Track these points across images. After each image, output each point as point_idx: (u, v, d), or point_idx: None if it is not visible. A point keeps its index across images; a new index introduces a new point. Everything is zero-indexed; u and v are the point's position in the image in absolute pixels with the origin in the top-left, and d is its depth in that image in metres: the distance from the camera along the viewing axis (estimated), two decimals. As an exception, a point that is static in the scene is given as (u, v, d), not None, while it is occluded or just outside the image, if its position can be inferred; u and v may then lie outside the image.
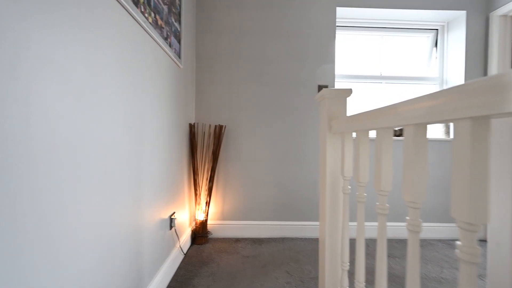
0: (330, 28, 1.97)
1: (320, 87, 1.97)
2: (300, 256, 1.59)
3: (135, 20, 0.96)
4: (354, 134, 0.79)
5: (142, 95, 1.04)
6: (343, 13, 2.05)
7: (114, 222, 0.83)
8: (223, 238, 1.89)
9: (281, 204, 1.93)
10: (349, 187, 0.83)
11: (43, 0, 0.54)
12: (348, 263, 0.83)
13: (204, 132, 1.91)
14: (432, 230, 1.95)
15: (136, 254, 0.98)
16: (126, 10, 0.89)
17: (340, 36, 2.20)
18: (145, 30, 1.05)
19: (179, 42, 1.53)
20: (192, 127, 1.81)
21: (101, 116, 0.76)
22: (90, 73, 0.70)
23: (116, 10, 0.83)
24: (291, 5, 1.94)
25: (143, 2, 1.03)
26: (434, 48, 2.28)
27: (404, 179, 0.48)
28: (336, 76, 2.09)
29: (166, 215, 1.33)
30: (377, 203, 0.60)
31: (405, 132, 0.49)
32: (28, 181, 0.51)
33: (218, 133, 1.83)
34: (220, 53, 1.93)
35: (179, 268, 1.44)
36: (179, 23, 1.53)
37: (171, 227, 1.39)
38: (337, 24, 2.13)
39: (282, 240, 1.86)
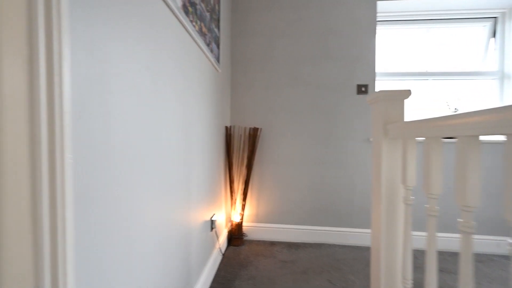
0: (370, 24, 1.86)
1: (359, 87, 1.87)
2: (341, 265, 1.52)
3: (186, 30, 0.99)
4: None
5: (191, 99, 1.08)
6: (384, 7, 1.92)
7: (172, 223, 0.87)
8: (258, 241, 1.89)
9: (318, 209, 1.87)
10: (412, 197, 0.76)
11: (119, 24, 0.58)
12: (412, 280, 0.76)
13: (240, 134, 1.93)
14: (491, 244, 1.73)
15: (187, 254, 1.02)
16: (180, 22, 0.92)
17: (381, 31, 2.06)
18: (193, 39, 1.08)
19: (218, 47, 1.56)
20: (228, 130, 1.84)
21: (163, 121, 0.80)
22: (154, 83, 0.74)
23: (172, 22, 0.87)
24: (327, 3, 1.87)
25: (192, 12, 1.06)
26: (492, 39, 2.02)
27: (508, 197, 0.42)
28: (376, 74, 1.97)
29: (208, 217, 1.37)
30: (461, 220, 0.54)
31: (508, 142, 0.42)
32: (110, 184, 0.55)
33: (254, 136, 1.84)
34: (255, 55, 1.94)
35: (219, 269, 1.47)
36: (218, 28, 1.57)
37: (212, 228, 1.43)
38: (377, 19, 2.00)
39: (319, 246, 1.80)
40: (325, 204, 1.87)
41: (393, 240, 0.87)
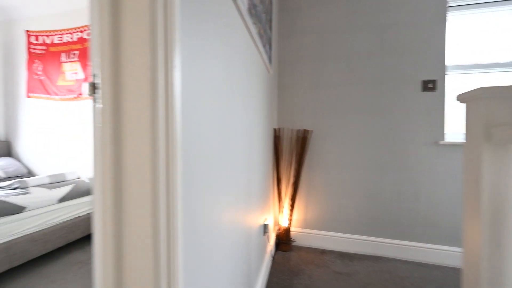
0: (438, 11, 1.63)
1: (425, 83, 1.65)
2: (407, 284, 1.35)
3: (250, 33, 0.98)
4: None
5: (251, 103, 1.07)
6: (457, -11, 1.67)
7: (239, 227, 0.86)
8: (307, 248, 1.81)
9: (374, 218, 1.71)
10: (537, 218, 0.61)
11: (206, 30, 0.58)
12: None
13: (291, 137, 1.88)
14: None
15: (248, 257, 1.01)
16: (246, 25, 0.91)
17: (452, 18, 1.80)
18: (254, 41, 1.07)
19: (270, 48, 1.54)
20: (276, 132, 1.81)
21: (234, 126, 0.79)
22: (229, 87, 0.74)
23: (240, 26, 0.86)
24: (387, -9, 1.70)
25: (254, 14, 1.05)
26: None
27: None
28: (447, 68, 1.72)
29: (261, 221, 1.35)
30: None
31: None
32: (200, 190, 0.55)
33: (303, 138, 1.76)
34: (304, 55, 1.86)
35: (271, 274, 1.44)
36: (270, 29, 1.54)
37: (264, 232, 1.41)
38: (448, 5, 1.74)
39: (376, 259, 1.65)
40: (383, 213, 1.70)
41: (503, 269, 0.72)
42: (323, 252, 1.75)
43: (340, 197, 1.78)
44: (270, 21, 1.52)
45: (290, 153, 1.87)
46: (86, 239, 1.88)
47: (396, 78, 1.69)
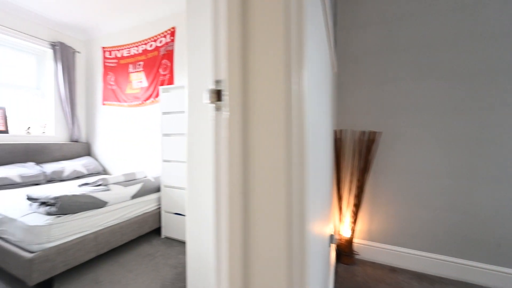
0: (558, -21, 1.28)
1: (537, 72, 1.31)
2: (520, 324, 1.08)
3: (327, 28, 0.90)
4: None
5: (326, 104, 0.98)
6: None
7: (318, 232, 0.79)
8: (372, 263, 1.62)
9: (463, 236, 1.44)
10: None
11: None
12: None
13: (354, 139, 1.72)
14: None
15: (325, 267, 0.93)
16: (325, 20, 0.84)
17: None
18: (328, 36, 0.98)
19: (335, 43, 1.43)
20: (337, 134, 1.68)
21: (321, 130, 0.72)
22: (317, 92, 0.67)
23: (321, 23, 0.79)
24: (480, -36, 1.41)
25: (328, 5, 0.96)
26: None
27: None
28: None
29: (328, 231, 1.24)
30: None
31: None
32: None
33: (371, 140, 1.59)
34: (368, 48, 1.68)
35: (337, 289, 1.32)
36: (334, 23, 1.43)
37: (330, 242, 1.30)
38: None
39: (466, 286, 1.37)
40: (475, 232, 1.41)
41: None
42: (393, 270, 1.54)
43: (416, 208, 1.54)
44: (335, 15, 1.41)
45: (352, 157, 1.71)
46: (152, 234, 2.05)
47: (494, 68, 1.39)
